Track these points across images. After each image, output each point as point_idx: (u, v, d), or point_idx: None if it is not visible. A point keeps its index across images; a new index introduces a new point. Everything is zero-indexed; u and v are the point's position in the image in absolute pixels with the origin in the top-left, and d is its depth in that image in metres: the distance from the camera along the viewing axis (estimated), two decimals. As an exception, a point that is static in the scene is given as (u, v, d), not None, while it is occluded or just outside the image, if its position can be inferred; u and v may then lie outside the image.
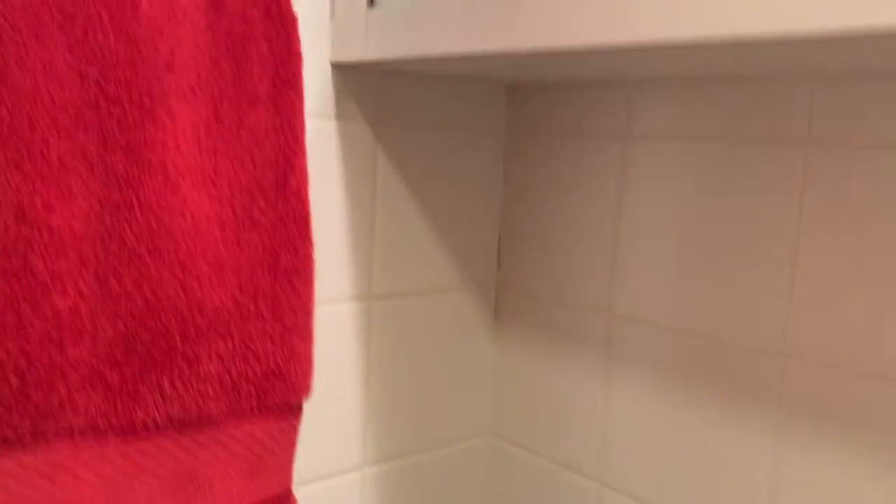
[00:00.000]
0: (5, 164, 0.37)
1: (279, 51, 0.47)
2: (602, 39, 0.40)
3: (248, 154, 0.45)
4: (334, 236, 0.63)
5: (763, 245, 0.56)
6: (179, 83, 0.42)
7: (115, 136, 0.39)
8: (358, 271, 0.66)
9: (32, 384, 0.38)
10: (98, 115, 0.39)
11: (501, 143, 0.74)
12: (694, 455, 0.61)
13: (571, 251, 0.69)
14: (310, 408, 0.64)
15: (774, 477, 0.56)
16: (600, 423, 0.68)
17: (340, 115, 0.62)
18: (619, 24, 0.39)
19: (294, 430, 0.49)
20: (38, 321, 0.38)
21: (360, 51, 0.57)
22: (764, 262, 0.56)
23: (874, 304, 0.51)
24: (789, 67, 0.48)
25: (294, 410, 0.49)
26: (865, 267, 0.51)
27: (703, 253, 0.60)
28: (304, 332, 0.49)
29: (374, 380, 0.68)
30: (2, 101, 0.37)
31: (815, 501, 0.54)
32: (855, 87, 0.51)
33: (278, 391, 0.48)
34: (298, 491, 0.64)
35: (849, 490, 0.52)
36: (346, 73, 0.62)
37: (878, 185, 0.50)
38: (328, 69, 0.61)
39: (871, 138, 0.50)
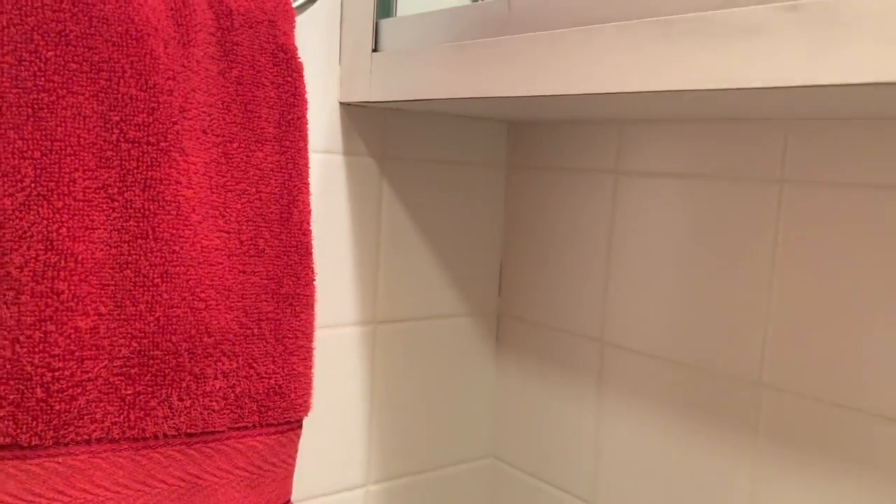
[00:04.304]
0: (37, 199, 0.41)
1: (285, 95, 0.51)
2: (575, 89, 0.44)
3: (254, 189, 0.50)
4: (341, 264, 0.68)
5: (741, 278, 0.59)
6: (192, 126, 0.46)
7: (133, 174, 0.44)
8: (363, 297, 0.70)
9: (55, 395, 0.42)
10: (119, 156, 0.44)
11: (503, 177, 0.78)
12: (677, 480, 0.63)
13: (567, 281, 0.73)
14: (317, 426, 0.67)
15: (752, 502, 0.58)
16: (592, 447, 0.71)
17: (348, 150, 0.67)
18: (589, 76, 0.43)
19: (293, 445, 0.53)
20: (61, 339, 0.42)
21: (365, 92, 0.61)
22: (742, 294, 0.59)
23: (845, 337, 0.53)
24: (759, 111, 0.51)
25: (294, 427, 0.53)
26: (838, 300, 0.54)
27: (686, 285, 0.63)
28: (303, 353, 0.53)
29: (379, 401, 0.72)
30: (35, 144, 0.41)
31: (790, 524, 0.56)
32: (826, 128, 0.54)
33: (279, 408, 0.51)
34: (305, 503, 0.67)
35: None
36: (354, 112, 0.66)
37: (847, 222, 0.53)
38: (337, 108, 0.65)
39: (841, 177, 0.53)
